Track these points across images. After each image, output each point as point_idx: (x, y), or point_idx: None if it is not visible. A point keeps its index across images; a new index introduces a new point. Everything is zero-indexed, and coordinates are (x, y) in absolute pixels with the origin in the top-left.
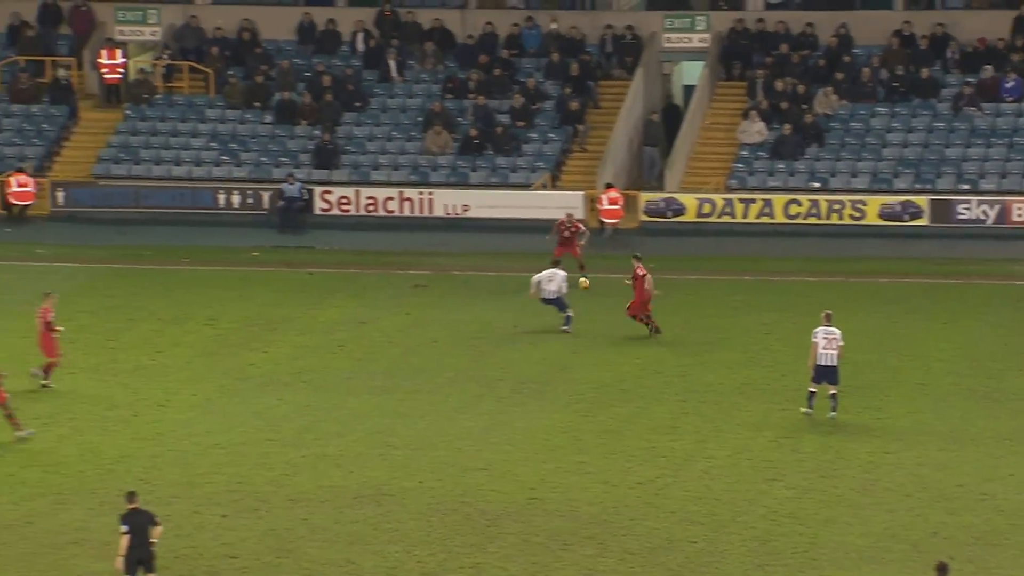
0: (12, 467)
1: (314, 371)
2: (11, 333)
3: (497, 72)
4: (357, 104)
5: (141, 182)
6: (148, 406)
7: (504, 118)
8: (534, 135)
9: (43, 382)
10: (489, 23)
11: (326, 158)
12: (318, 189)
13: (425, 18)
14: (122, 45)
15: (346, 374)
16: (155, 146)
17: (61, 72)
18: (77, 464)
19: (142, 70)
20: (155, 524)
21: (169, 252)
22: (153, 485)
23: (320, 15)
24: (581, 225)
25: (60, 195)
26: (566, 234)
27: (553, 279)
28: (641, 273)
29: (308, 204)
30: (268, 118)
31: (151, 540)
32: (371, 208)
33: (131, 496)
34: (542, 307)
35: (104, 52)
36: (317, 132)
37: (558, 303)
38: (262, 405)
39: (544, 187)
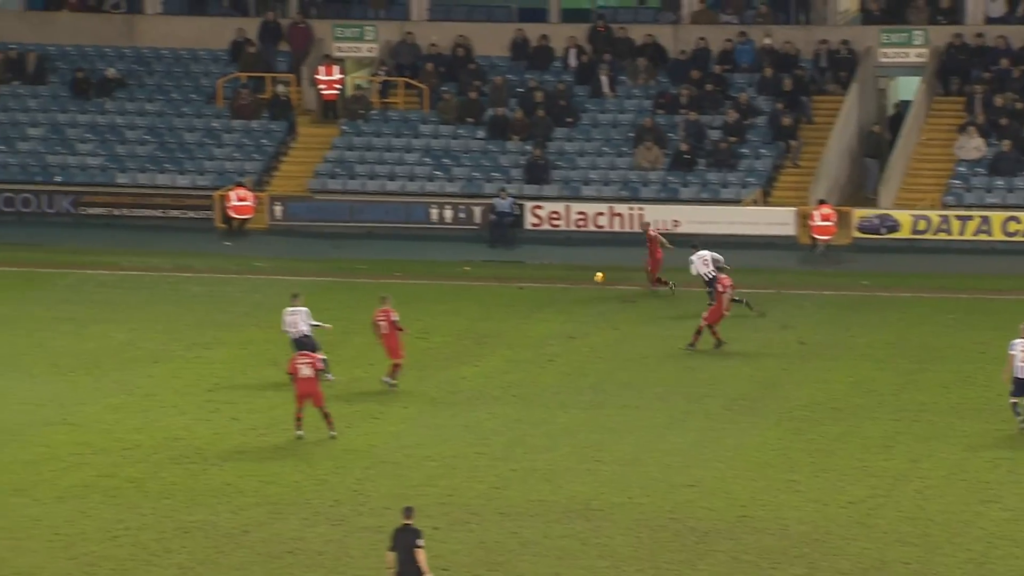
0: (230, 476)
1: (523, 385)
2: (231, 345)
3: (709, 87)
4: (568, 119)
5: (356, 197)
6: (361, 418)
7: (715, 133)
8: (746, 151)
9: (390, 382)
10: (702, 38)
11: (537, 173)
12: (529, 204)
13: (638, 34)
14: (340, 61)
15: (555, 389)
16: (370, 161)
17: (280, 88)
18: (292, 475)
19: (359, 86)
20: (416, 546)
21: (382, 266)
22: (366, 496)
23: (533, 31)
24: (654, 235)
25: (278, 209)
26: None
27: (706, 262)
28: (726, 285)
29: (519, 219)
30: (481, 133)
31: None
32: (581, 223)
33: (407, 512)
34: (750, 323)
35: (322, 68)
36: (529, 147)
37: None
38: (472, 418)
39: (755, 203)
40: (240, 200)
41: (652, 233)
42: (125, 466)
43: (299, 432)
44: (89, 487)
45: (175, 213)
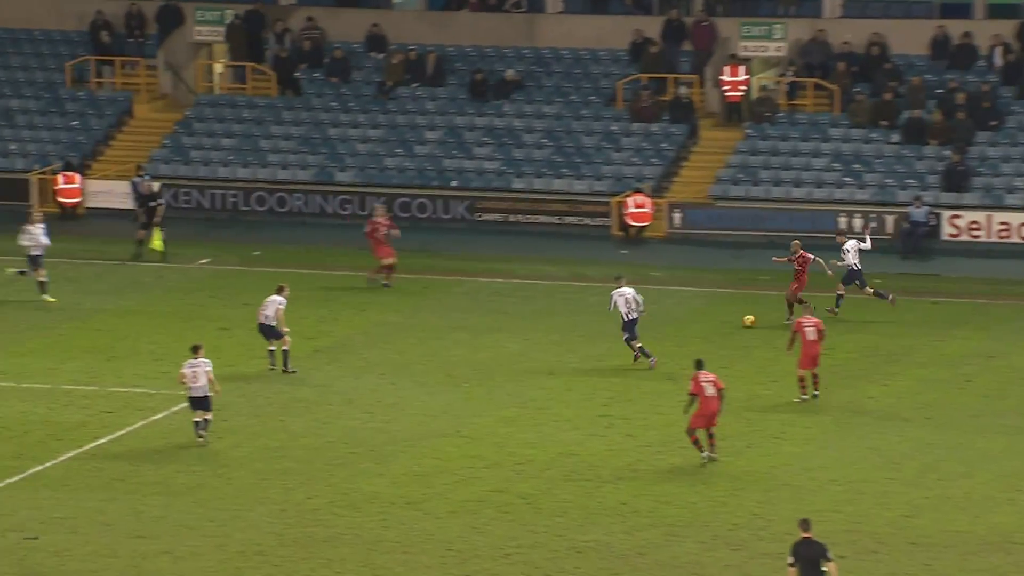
0: (625, 495)
1: (937, 406)
2: (626, 358)
3: None
4: (992, 123)
5: (759, 204)
6: (762, 437)
7: None
8: None
9: (815, 394)
10: None
11: (956, 180)
12: (946, 213)
13: None
14: (746, 61)
15: (972, 411)
16: (775, 166)
17: (683, 90)
18: (688, 496)
19: (765, 87)
20: (827, 559)
21: (786, 277)
22: (766, 521)
23: (955, 28)
24: (809, 256)
25: (677, 216)
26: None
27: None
28: None
29: (935, 229)
30: (895, 137)
31: (822, 573)
32: (1004, 234)
33: (804, 524)
34: None
35: (727, 69)
36: (947, 152)
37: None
38: (881, 441)
39: None
40: (638, 207)
41: (806, 255)
42: (518, 482)
43: (706, 455)
44: (482, 502)
45: (571, 220)
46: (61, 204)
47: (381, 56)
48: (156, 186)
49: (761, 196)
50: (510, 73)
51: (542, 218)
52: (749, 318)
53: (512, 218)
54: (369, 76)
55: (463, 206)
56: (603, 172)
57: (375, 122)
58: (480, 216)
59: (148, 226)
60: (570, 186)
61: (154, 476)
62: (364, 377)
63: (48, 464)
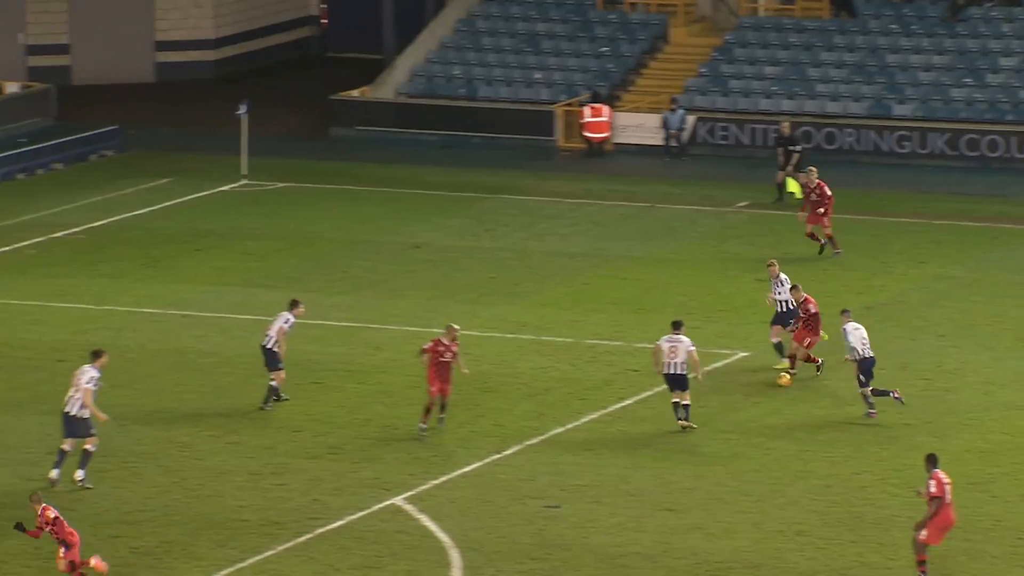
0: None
1: None
2: None
3: None
4: None
5: None
6: None
7: None
8: None
9: None
10: None
11: None
12: None
13: None
14: None
15: None
16: None
17: None
18: None
19: None
20: None
21: None
22: None
23: None
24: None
25: None
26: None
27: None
28: None
29: None
30: None
31: None
32: None
33: None
34: None
35: None
36: None
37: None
38: None
39: None
40: None
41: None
42: None
43: None
44: None
45: None
46: (587, 139)
47: None
48: (789, 128)
49: None
50: None
51: None
52: (784, 379)
53: None
54: None
55: None
56: None
57: (941, 47)
58: None
59: (785, 168)
60: None
61: (683, 443)
62: (921, 339)
63: (570, 426)
